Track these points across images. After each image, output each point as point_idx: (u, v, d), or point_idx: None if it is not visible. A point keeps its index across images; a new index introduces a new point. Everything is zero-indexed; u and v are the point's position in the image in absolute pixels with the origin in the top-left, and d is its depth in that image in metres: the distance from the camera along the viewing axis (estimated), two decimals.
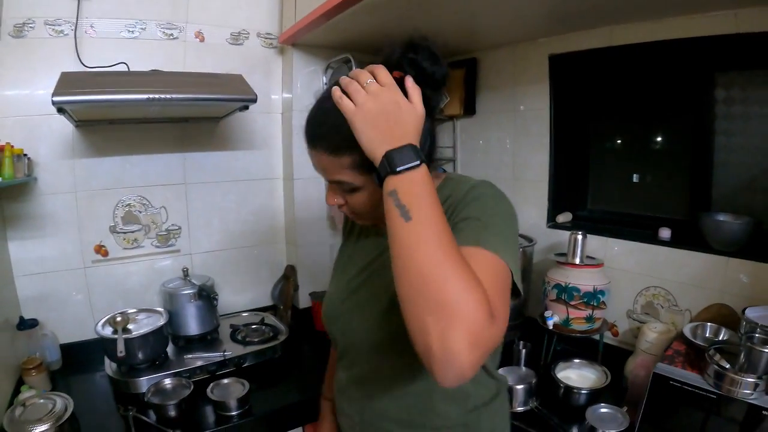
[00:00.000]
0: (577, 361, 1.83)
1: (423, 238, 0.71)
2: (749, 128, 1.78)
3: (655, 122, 2.06)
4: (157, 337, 1.88)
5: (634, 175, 2.15)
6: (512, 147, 2.35)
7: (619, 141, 2.23)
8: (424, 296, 0.68)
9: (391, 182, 0.75)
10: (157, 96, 1.59)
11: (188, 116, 2.16)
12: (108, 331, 1.82)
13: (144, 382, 1.79)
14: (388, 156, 0.75)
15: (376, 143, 0.77)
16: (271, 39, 2.38)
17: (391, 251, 0.74)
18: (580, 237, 1.88)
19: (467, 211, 0.87)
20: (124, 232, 2.16)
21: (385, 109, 0.78)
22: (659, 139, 2.07)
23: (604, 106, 2.20)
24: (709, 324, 1.58)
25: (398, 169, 0.74)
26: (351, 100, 0.80)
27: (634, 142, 2.17)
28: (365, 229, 1.17)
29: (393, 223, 0.74)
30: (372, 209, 0.94)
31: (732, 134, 1.82)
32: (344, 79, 0.83)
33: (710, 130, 1.85)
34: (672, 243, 1.86)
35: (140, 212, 2.18)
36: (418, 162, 0.75)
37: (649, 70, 1.98)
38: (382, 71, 0.82)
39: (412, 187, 0.74)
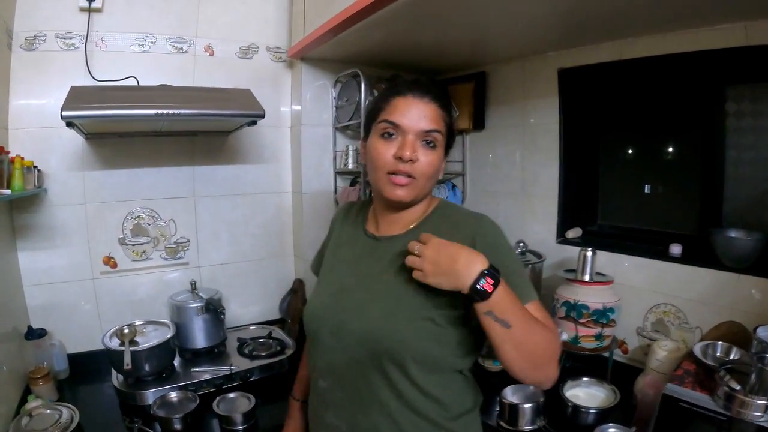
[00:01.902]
0: (585, 379, 1.79)
1: (521, 334, 0.91)
2: (760, 142, 1.76)
3: (665, 137, 2.04)
4: (164, 349, 1.88)
5: (645, 190, 2.13)
6: (521, 161, 2.34)
7: (628, 155, 2.21)
8: (531, 363, 0.94)
9: (485, 306, 0.90)
10: (165, 111, 1.61)
11: (197, 130, 2.18)
12: (115, 343, 1.83)
13: (150, 395, 1.79)
14: (474, 289, 0.89)
15: (457, 282, 0.91)
16: (280, 53, 2.40)
17: (492, 343, 0.92)
18: (589, 253, 1.85)
19: (498, 265, 0.95)
20: (133, 244, 2.17)
21: (440, 260, 0.93)
22: (669, 153, 2.05)
23: (614, 120, 2.18)
24: (720, 343, 1.53)
25: (488, 296, 0.89)
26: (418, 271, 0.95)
27: (644, 156, 2.15)
28: (353, 230, 1.22)
29: (496, 332, 0.90)
30: (433, 174, 1.05)
31: (743, 148, 1.79)
32: (408, 260, 0.98)
33: (721, 144, 1.83)
34: (682, 259, 1.83)
35: (149, 225, 2.19)
36: (497, 280, 0.90)
37: (658, 84, 1.96)
38: (425, 238, 0.98)
39: (502, 303, 0.90)
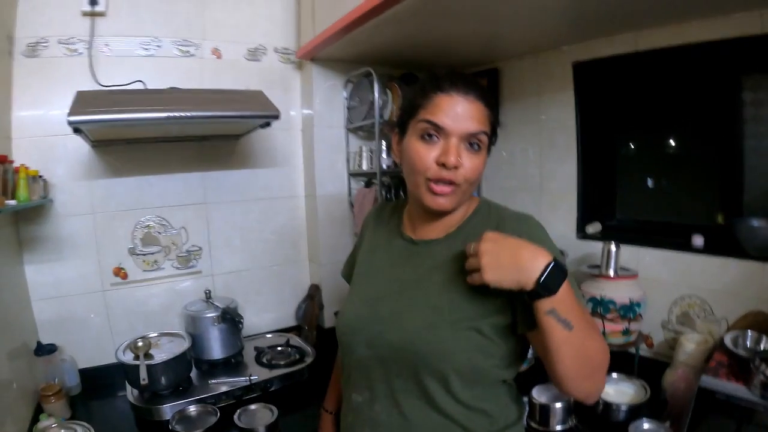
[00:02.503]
0: (614, 375, 1.77)
1: (582, 337, 0.84)
2: None
3: (683, 128, 2.03)
4: (181, 362, 1.82)
5: (662, 182, 2.12)
6: (538, 158, 2.32)
7: (645, 148, 2.19)
8: (586, 371, 0.87)
9: (548, 303, 0.82)
10: (177, 114, 1.55)
11: (207, 134, 2.13)
12: (129, 357, 1.77)
13: (168, 410, 1.73)
14: (540, 284, 0.80)
15: (520, 276, 0.82)
16: (288, 54, 2.37)
17: (549, 346, 0.84)
18: (613, 248, 1.84)
19: None
20: (144, 254, 2.12)
21: (500, 253, 0.85)
22: (686, 145, 2.04)
23: (630, 113, 2.16)
24: (750, 332, 1.54)
25: (554, 291, 0.81)
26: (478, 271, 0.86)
27: (662, 148, 2.13)
28: (387, 233, 1.15)
29: (557, 334, 0.83)
30: (477, 179, 0.98)
31: (762, 137, 1.78)
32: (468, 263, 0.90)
33: (739, 133, 1.81)
34: (705, 250, 1.81)
35: (160, 233, 2.14)
36: (564, 274, 0.82)
37: (674, 74, 1.95)
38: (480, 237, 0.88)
39: (567, 301, 0.82)
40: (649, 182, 2.17)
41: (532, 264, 0.82)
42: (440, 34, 1.95)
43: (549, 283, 0.81)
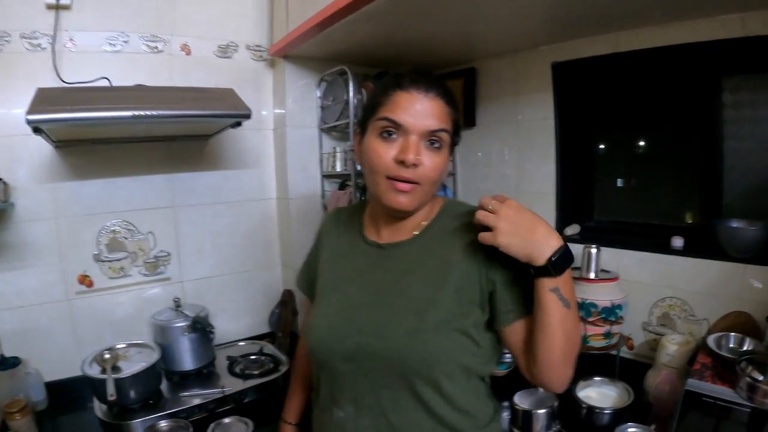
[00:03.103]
0: (597, 378, 1.75)
1: (574, 319, 0.91)
2: (758, 132, 1.75)
3: (662, 129, 2.02)
4: (150, 374, 1.75)
5: (641, 183, 2.12)
6: (515, 159, 2.30)
7: (624, 149, 2.18)
8: (568, 354, 0.92)
9: (554, 281, 0.86)
10: (142, 113, 1.47)
11: (176, 134, 2.04)
12: (96, 371, 1.69)
13: (138, 425, 1.66)
14: (552, 262, 0.85)
15: (533, 251, 0.86)
16: (261, 51, 2.30)
17: (546, 324, 0.88)
18: (594, 250, 1.82)
19: (516, 270, 0.94)
20: (110, 261, 2.03)
21: (520, 222, 0.86)
22: (666, 146, 2.03)
23: (609, 114, 2.15)
24: (732, 334, 1.55)
25: (562, 272, 0.87)
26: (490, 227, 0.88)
27: (641, 149, 2.13)
28: (350, 239, 1.13)
29: (555, 312, 0.87)
30: (438, 178, 0.98)
31: (742, 139, 1.79)
32: (479, 214, 0.90)
33: (719, 135, 1.82)
34: (686, 252, 1.81)
35: (126, 238, 2.06)
36: (572, 259, 0.88)
37: (654, 76, 1.94)
38: (500, 198, 0.90)
39: (568, 283, 0.89)
40: (628, 183, 2.16)
41: (547, 242, 0.85)
42: (417, 33, 1.91)
43: (559, 264, 0.85)
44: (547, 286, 0.86)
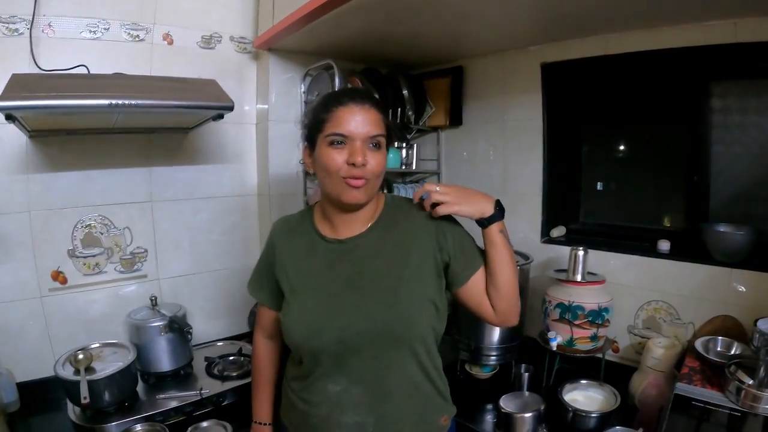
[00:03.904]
0: (583, 382, 1.75)
1: (512, 257, 1.19)
2: (746, 137, 1.77)
3: (650, 132, 2.03)
4: (126, 376, 1.68)
5: (628, 186, 2.12)
6: (501, 159, 2.29)
7: (611, 152, 2.19)
8: (516, 289, 1.20)
9: (501, 224, 1.15)
10: (121, 102, 1.41)
11: (155, 126, 1.98)
12: (69, 371, 1.61)
13: (113, 429, 1.61)
14: (500, 210, 1.16)
15: (482, 207, 1.14)
16: (245, 43, 2.25)
17: (501, 259, 1.15)
18: (581, 253, 1.80)
19: (461, 239, 1.19)
20: (84, 257, 1.95)
21: (463, 193, 1.15)
22: (654, 149, 2.04)
23: (598, 116, 2.15)
24: (720, 338, 1.56)
25: (502, 216, 1.16)
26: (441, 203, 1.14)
27: (628, 152, 2.13)
28: (307, 240, 1.24)
29: (506, 247, 1.16)
30: (381, 172, 1.15)
31: (729, 144, 1.81)
32: (420, 192, 1.19)
33: (707, 139, 1.83)
34: (672, 255, 1.82)
35: (102, 234, 1.98)
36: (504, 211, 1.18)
37: (644, 79, 1.95)
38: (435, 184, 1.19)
39: (505, 229, 1.17)
40: (614, 186, 2.17)
41: (486, 198, 1.15)
42: (405, 29, 1.89)
43: (502, 209, 1.16)
44: (497, 229, 1.14)
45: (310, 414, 1.18)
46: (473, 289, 1.19)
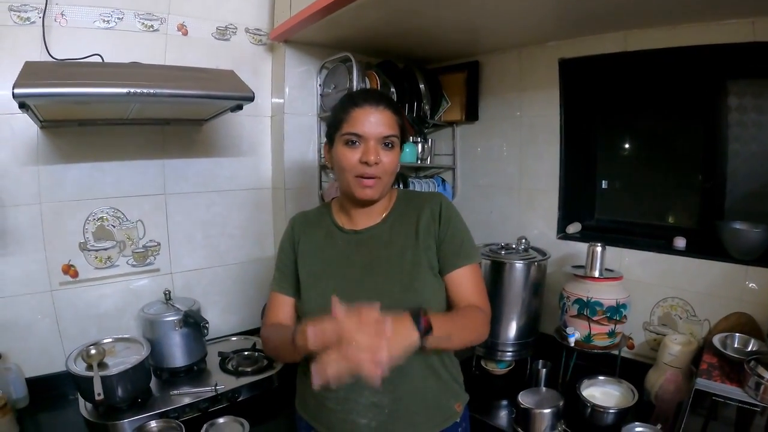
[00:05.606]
0: (601, 378, 1.75)
1: (460, 335, 1.14)
2: (763, 136, 1.78)
3: (666, 130, 2.03)
4: (139, 371, 1.65)
5: (643, 183, 2.12)
6: (517, 155, 2.28)
7: (628, 148, 2.19)
8: (474, 340, 1.21)
9: (429, 339, 1.00)
10: (139, 90, 1.36)
11: (170, 117, 1.94)
12: (81, 367, 1.58)
13: (126, 426, 1.57)
14: (424, 334, 1.00)
15: (410, 342, 0.97)
16: (260, 35, 2.21)
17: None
18: (599, 249, 1.80)
19: (454, 231, 1.26)
20: (96, 250, 1.91)
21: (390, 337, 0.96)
22: (670, 147, 2.04)
23: (615, 112, 2.15)
24: (737, 335, 1.56)
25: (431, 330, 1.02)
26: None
27: (644, 149, 2.14)
28: (327, 232, 1.32)
29: (444, 346, 1.14)
30: (394, 170, 1.23)
31: (745, 142, 1.81)
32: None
33: (723, 137, 1.84)
34: (688, 252, 1.82)
35: (114, 227, 1.94)
36: (422, 313, 1.02)
37: (662, 76, 1.95)
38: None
39: (438, 326, 1.03)
40: (630, 183, 2.17)
41: (406, 329, 0.98)
42: (424, 22, 1.88)
43: (425, 329, 1.00)
44: (428, 345, 1.00)
45: (328, 398, 1.22)
46: (450, 283, 1.24)
